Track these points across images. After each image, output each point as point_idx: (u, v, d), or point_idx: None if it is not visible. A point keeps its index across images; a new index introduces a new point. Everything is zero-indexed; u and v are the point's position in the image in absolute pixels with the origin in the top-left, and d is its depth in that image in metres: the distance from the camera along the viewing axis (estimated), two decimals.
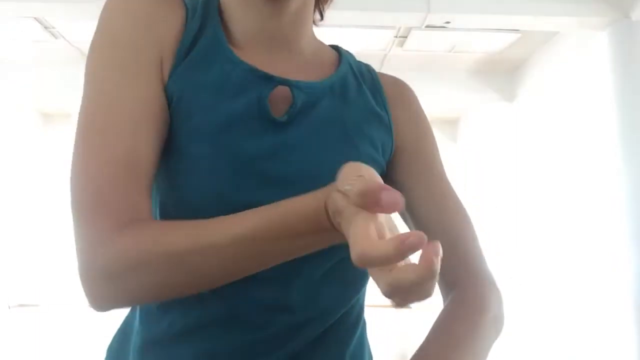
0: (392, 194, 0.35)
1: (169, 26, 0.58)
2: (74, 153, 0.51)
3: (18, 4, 4.01)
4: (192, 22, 0.59)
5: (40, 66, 5.72)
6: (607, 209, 3.86)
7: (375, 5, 3.88)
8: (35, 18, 4.65)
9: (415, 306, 6.80)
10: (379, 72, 0.71)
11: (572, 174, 4.53)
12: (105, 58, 0.55)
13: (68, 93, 6.01)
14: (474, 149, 6.81)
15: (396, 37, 5.03)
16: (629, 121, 3.70)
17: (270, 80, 0.58)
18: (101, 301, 0.51)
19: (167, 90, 0.56)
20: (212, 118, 0.55)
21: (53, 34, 5.05)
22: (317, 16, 0.69)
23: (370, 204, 0.35)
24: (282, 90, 0.58)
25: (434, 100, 5.83)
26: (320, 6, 0.68)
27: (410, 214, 0.65)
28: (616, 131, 3.75)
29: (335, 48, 0.71)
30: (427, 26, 4.22)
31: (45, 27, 4.89)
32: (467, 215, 0.67)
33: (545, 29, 4.62)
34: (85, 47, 5.80)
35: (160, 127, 0.54)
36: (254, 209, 0.46)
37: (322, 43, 0.70)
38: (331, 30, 4.52)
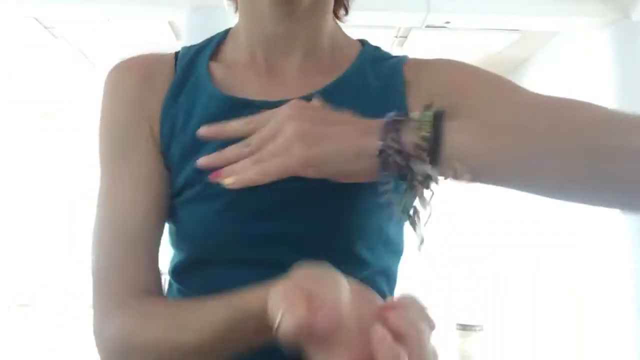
0: (324, 320, 0.34)
1: (156, 95, 0.62)
2: (94, 220, 0.59)
3: (18, 4, 4.01)
4: (174, 81, 0.63)
5: (40, 66, 5.72)
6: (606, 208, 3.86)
7: (375, 5, 3.88)
8: (35, 18, 4.65)
9: None
10: (412, 58, 0.67)
11: None
12: (103, 145, 0.62)
13: (68, 93, 6.02)
14: None
15: (396, 37, 5.02)
16: None
17: (251, 106, 0.58)
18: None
19: (161, 146, 0.61)
20: (192, 163, 0.57)
21: (53, 34, 5.05)
22: (343, 11, 0.69)
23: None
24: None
25: None
26: (345, 1, 0.68)
27: None
28: None
29: (363, 42, 0.69)
30: (427, 26, 4.22)
31: (45, 27, 4.89)
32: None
33: (545, 29, 4.62)
34: (85, 47, 5.85)
35: (159, 194, 0.59)
36: (225, 301, 0.48)
37: (346, 38, 0.68)
38: None
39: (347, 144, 0.45)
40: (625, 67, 3.77)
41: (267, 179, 0.45)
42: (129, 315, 0.54)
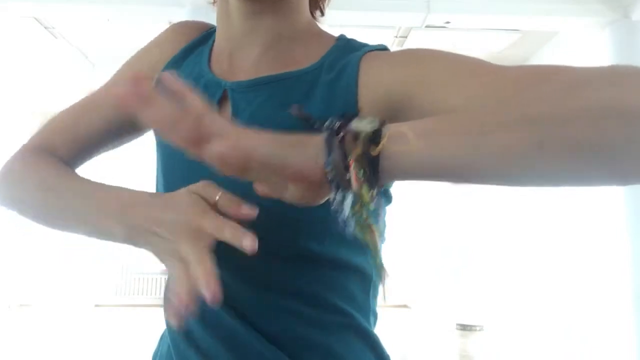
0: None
1: (170, 50, 0.75)
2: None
3: (18, 4, 4.01)
4: (193, 41, 0.74)
5: (40, 66, 5.72)
6: (606, 208, 3.86)
7: (375, 5, 3.88)
8: (35, 18, 4.65)
9: (416, 306, 6.81)
10: (375, 52, 0.64)
11: None
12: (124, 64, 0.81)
13: (68, 93, 6.02)
14: None
15: (396, 37, 5.03)
16: None
17: (219, 87, 0.65)
18: None
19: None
20: None
21: (53, 34, 5.05)
22: (318, 12, 0.71)
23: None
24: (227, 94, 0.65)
25: None
26: (320, 3, 0.71)
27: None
28: None
29: (340, 38, 0.69)
30: (427, 26, 4.22)
31: (45, 27, 4.89)
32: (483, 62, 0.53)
33: (545, 29, 4.62)
34: (85, 47, 5.83)
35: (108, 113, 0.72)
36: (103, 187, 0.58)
37: (322, 35, 0.69)
38: (331, 30, 4.52)
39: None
40: None
41: None
42: (34, 156, 0.68)
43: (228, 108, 0.63)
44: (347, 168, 0.39)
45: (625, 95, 0.36)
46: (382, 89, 0.57)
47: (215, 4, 0.72)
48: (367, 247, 0.43)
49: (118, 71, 0.77)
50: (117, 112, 0.69)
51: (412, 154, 0.39)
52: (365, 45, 0.65)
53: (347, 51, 0.64)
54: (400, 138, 0.39)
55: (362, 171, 0.39)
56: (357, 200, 0.40)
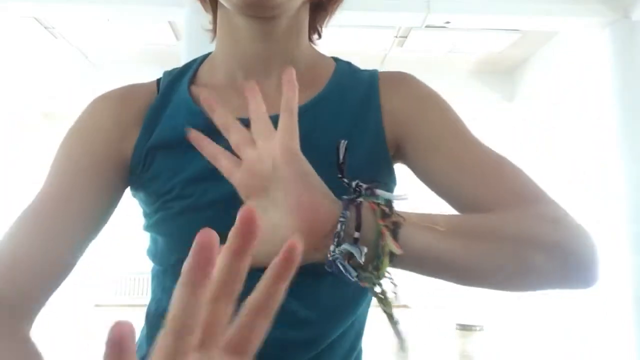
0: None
1: (134, 117, 0.64)
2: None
3: (18, 4, 4.01)
4: (154, 103, 0.64)
5: (40, 66, 5.72)
6: (606, 207, 3.86)
7: (375, 5, 3.88)
8: (35, 18, 4.65)
9: (416, 306, 6.81)
10: (382, 72, 0.68)
11: (571, 173, 4.53)
12: (59, 157, 0.64)
13: (68, 93, 6.02)
14: None
15: (396, 37, 5.02)
16: (629, 121, 3.70)
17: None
18: None
19: (131, 164, 0.62)
20: (181, 176, 0.59)
21: (53, 34, 5.05)
22: (316, 35, 0.69)
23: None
24: None
25: None
26: (318, 26, 0.69)
27: (439, 191, 0.60)
28: (616, 131, 3.75)
29: (335, 59, 0.70)
30: (427, 26, 4.22)
31: (45, 27, 4.89)
32: (498, 157, 0.61)
33: (545, 29, 4.62)
34: (85, 47, 5.82)
35: (85, 218, 0.59)
36: None
37: (320, 56, 0.69)
38: (331, 30, 4.52)
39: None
40: (625, 67, 3.77)
41: None
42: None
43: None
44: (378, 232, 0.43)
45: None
46: (400, 127, 0.63)
47: (212, 31, 0.68)
48: (382, 302, 0.46)
49: (53, 171, 0.63)
50: (98, 194, 0.60)
51: (423, 240, 0.44)
52: (362, 69, 0.70)
53: (355, 72, 0.68)
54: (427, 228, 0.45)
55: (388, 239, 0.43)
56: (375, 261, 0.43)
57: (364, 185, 0.46)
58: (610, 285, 3.78)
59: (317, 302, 0.59)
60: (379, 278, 0.44)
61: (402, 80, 0.68)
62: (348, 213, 0.43)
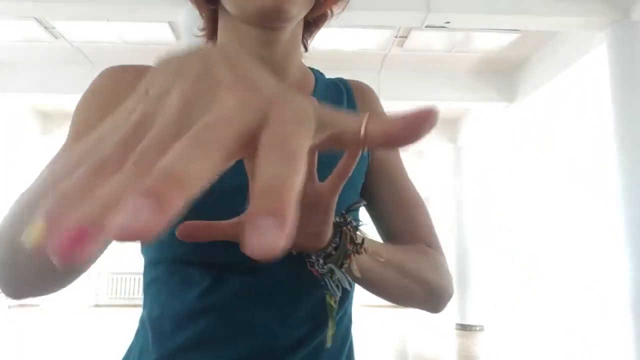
0: None
1: (113, 98, 0.63)
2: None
3: (18, 4, 4.01)
4: None
5: (40, 66, 5.72)
6: (604, 207, 3.86)
7: (375, 5, 3.88)
8: (35, 18, 4.65)
9: None
10: (351, 81, 0.76)
11: (570, 172, 4.53)
12: (75, 115, 0.65)
13: (68, 93, 6.02)
14: (473, 149, 6.81)
15: (396, 37, 5.03)
16: (628, 121, 3.70)
17: None
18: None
19: None
20: None
21: (53, 34, 5.05)
22: (302, 49, 0.74)
23: None
24: None
25: (434, 100, 5.83)
26: (305, 40, 0.72)
27: (379, 221, 0.72)
28: (615, 131, 3.75)
29: (311, 69, 0.74)
30: (427, 26, 4.22)
31: (45, 27, 4.89)
32: (421, 200, 0.74)
33: (545, 29, 4.62)
34: (85, 47, 5.82)
35: None
36: None
37: (304, 66, 0.73)
38: (331, 31, 4.52)
39: None
40: (625, 67, 3.78)
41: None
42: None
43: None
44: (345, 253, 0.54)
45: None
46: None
47: (205, 36, 0.71)
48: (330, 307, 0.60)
49: (70, 136, 0.64)
50: None
51: (370, 266, 0.56)
52: (327, 76, 0.76)
53: (327, 80, 0.74)
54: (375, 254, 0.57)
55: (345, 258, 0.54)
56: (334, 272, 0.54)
57: (345, 213, 0.55)
58: (609, 285, 3.77)
59: (299, 312, 0.62)
60: (337, 286, 0.56)
61: (369, 94, 0.76)
62: (337, 240, 0.53)
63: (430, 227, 0.73)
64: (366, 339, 5.83)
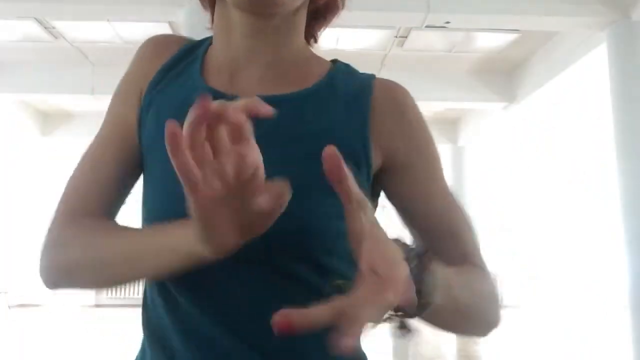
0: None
1: (155, 62, 0.71)
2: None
3: (18, 4, 4.01)
4: (173, 57, 0.71)
5: (40, 66, 5.72)
6: (604, 207, 3.86)
7: (375, 5, 3.88)
8: (35, 18, 4.65)
9: None
10: (379, 78, 0.68)
11: (570, 172, 4.53)
12: (114, 93, 0.73)
13: (68, 93, 6.02)
14: (473, 149, 6.81)
15: (396, 37, 5.03)
16: (628, 121, 3.70)
17: (222, 98, 0.61)
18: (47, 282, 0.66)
19: (142, 105, 0.68)
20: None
21: (53, 34, 5.05)
22: (312, 40, 0.73)
23: None
24: None
25: (434, 100, 5.83)
26: (315, 32, 0.71)
27: (411, 226, 0.65)
28: (615, 130, 3.75)
29: (335, 61, 0.71)
30: (427, 26, 4.22)
31: (45, 27, 4.89)
32: (467, 220, 0.67)
33: (545, 29, 4.62)
34: (85, 47, 5.83)
35: (126, 142, 0.68)
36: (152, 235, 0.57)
37: (315, 57, 0.70)
38: (331, 30, 4.52)
39: None
40: (625, 67, 3.78)
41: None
42: (70, 227, 0.64)
43: None
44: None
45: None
46: (387, 138, 0.64)
47: (212, 23, 0.70)
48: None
49: (111, 103, 0.72)
50: (124, 153, 0.68)
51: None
52: (362, 72, 0.70)
53: (351, 73, 0.68)
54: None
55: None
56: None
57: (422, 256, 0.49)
58: (609, 285, 3.78)
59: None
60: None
61: (400, 93, 0.67)
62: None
63: (476, 244, 0.67)
64: (366, 339, 5.82)
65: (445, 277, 0.50)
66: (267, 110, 0.39)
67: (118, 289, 9.93)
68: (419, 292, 0.46)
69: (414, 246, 0.48)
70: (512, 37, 4.97)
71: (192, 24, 3.58)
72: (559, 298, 4.67)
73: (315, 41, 0.73)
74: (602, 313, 3.94)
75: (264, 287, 0.58)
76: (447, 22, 4.14)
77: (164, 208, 0.60)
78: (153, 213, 0.63)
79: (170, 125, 0.37)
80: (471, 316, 0.61)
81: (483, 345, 5.53)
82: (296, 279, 0.58)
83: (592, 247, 4.09)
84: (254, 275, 0.57)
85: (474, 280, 0.63)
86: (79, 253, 0.62)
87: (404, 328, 0.49)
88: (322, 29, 0.72)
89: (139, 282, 0.60)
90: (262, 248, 0.51)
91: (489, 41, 5.11)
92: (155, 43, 0.74)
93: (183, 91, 0.66)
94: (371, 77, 0.68)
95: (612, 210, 3.76)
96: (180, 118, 0.61)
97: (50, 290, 0.65)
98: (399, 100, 0.66)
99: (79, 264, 0.62)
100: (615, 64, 3.83)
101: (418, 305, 0.47)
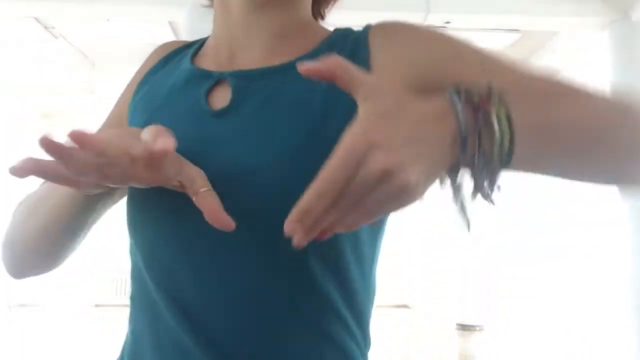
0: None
1: (155, 62, 0.73)
2: None
3: (18, 4, 4.01)
4: (171, 52, 0.73)
5: (40, 66, 5.72)
6: (604, 206, 3.86)
7: (375, 5, 3.88)
8: (35, 18, 4.65)
9: (416, 306, 6.81)
10: (375, 25, 0.69)
11: None
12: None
13: (68, 93, 6.02)
14: None
15: None
16: None
17: (209, 77, 0.63)
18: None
19: (133, 97, 0.71)
20: (157, 118, 0.61)
21: (53, 34, 5.05)
22: (319, 18, 0.73)
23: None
24: (223, 85, 0.62)
25: None
26: (322, 10, 0.74)
27: None
28: None
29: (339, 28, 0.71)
30: (427, 26, 4.22)
31: (45, 27, 4.89)
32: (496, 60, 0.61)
33: (545, 29, 4.62)
34: (85, 47, 5.82)
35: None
36: None
37: (319, 26, 0.71)
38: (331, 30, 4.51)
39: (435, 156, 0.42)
40: (625, 67, 3.77)
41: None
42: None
43: (225, 97, 0.61)
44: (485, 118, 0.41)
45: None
46: (395, 63, 0.61)
47: (211, 6, 0.71)
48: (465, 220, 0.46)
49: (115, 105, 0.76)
50: None
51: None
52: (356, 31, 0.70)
53: (349, 31, 0.69)
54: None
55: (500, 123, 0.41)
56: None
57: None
58: (609, 285, 3.78)
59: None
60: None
61: (390, 23, 0.68)
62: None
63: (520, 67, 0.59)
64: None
65: (517, 102, 0.43)
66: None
67: (119, 289, 9.92)
68: (489, 135, 0.41)
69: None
70: (512, 37, 4.97)
71: (192, 24, 3.58)
72: (559, 298, 4.67)
73: (322, 18, 0.74)
74: (603, 313, 3.93)
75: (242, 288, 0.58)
76: (447, 22, 4.14)
77: (143, 193, 0.60)
78: (130, 196, 0.66)
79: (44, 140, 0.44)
80: (589, 138, 0.49)
81: (482, 345, 5.53)
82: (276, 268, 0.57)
83: (593, 247, 4.09)
84: (236, 271, 0.58)
85: (567, 96, 0.54)
86: (15, 224, 0.68)
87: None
88: (329, 7, 0.75)
89: (66, 231, 0.68)
90: (250, 210, 0.53)
91: (489, 41, 5.11)
92: (162, 47, 0.76)
93: (170, 78, 0.67)
94: (367, 27, 0.69)
95: (613, 210, 3.76)
96: (165, 101, 0.67)
97: (16, 277, 0.73)
98: (388, 30, 0.67)
99: (15, 231, 0.68)
100: (615, 64, 3.83)
101: (497, 152, 0.41)
